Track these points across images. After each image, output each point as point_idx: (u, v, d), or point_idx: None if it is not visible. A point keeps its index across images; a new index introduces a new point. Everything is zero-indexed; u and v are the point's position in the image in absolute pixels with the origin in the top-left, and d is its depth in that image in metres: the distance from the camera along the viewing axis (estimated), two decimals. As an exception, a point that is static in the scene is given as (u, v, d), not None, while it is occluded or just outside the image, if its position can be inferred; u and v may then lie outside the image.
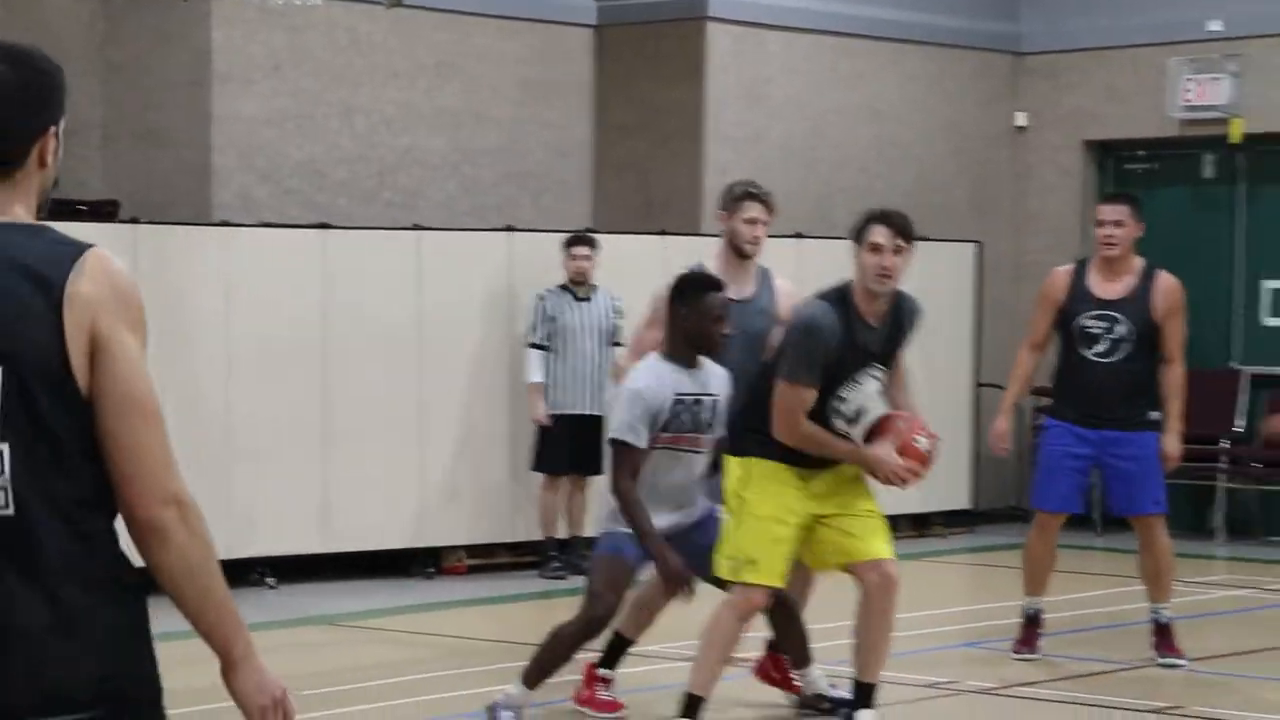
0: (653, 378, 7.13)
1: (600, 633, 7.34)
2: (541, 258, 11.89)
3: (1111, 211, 8.79)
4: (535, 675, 7.34)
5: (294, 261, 11.19)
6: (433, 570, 11.65)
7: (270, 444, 10.94)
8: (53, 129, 2.98)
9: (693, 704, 7.01)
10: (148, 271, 10.11)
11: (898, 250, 6.80)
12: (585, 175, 13.80)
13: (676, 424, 7.11)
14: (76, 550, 2.84)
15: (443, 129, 13.05)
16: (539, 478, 11.82)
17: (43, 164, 2.98)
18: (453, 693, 8.24)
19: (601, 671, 7.72)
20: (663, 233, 12.69)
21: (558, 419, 11.67)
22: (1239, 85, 14.05)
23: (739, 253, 7.73)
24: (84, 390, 2.84)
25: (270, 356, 11.03)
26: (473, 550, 11.83)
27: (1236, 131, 14.02)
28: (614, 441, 7.12)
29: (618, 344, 11.91)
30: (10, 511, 2.82)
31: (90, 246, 2.90)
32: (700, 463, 7.23)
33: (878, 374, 6.88)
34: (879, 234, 6.81)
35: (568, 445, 11.62)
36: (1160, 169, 14.77)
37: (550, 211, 13.43)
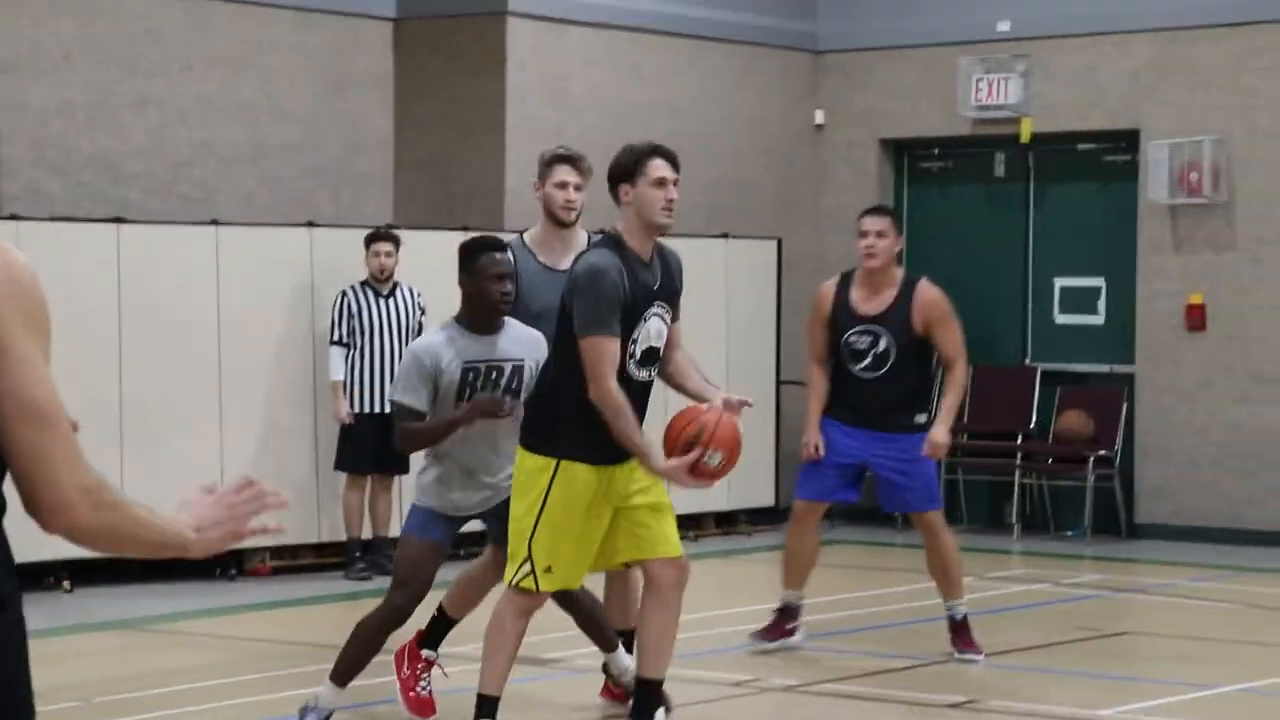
0: (434, 341, 7.01)
1: (403, 621, 7.14)
2: (343, 254, 11.76)
3: (873, 223, 8.90)
4: (343, 672, 7.17)
5: (88, 256, 10.94)
6: (235, 572, 11.47)
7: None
8: None
9: (485, 704, 6.87)
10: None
11: (675, 183, 6.73)
12: (386, 170, 13.68)
13: (471, 392, 6.95)
14: None
15: (240, 122, 12.85)
16: (342, 477, 11.69)
17: None
18: (259, 697, 8.12)
19: (425, 652, 7.46)
20: (464, 228, 12.61)
21: (360, 417, 11.56)
22: (1027, 85, 14.34)
23: (556, 220, 7.52)
24: None
25: (63, 353, 10.72)
26: (276, 552, 11.66)
27: (1026, 131, 14.31)
28: (392, 403, 7.01)
29: (420, 341, 11.83)
30: None
31: None
32: (508, 431, 6.98)
33: (661, 312, 6.74)
34: (662, 168, 6.68)
35: (371, 444, 11.49)
36: (954, 167, 15.03)
37: (351, 207, 13.29)
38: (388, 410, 11.62)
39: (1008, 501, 14.21)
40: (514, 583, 6.72)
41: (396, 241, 11.79)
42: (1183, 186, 13.66)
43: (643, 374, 6.72)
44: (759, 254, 14.17)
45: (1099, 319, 14.37)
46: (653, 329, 6.71)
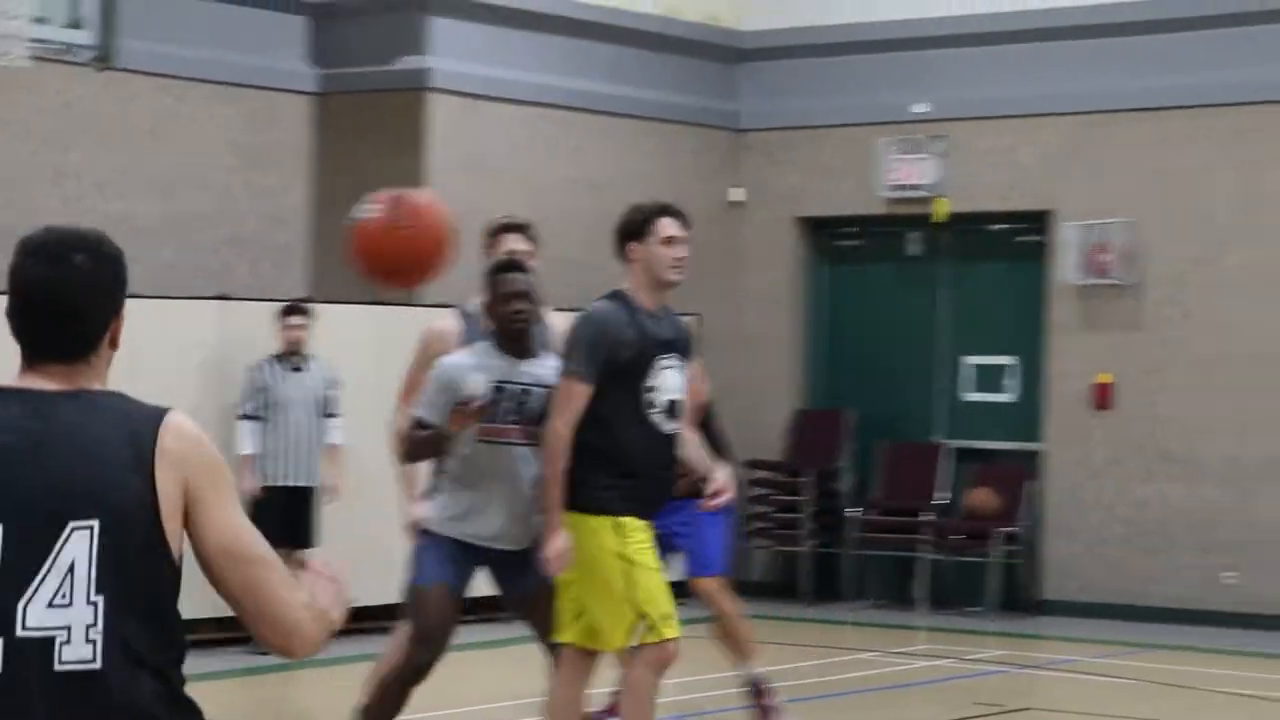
0: (464, 358, 6.86)
1: (426, 677, 6.85)
2: (255, 327, 11.78)
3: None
4: None
5: (-2, 328, 10.92)
6: (138, 645, 11.40)
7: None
8: (122, 310, 3.16)
9: None
10: None
11: (684, 240, 6.76)
12: (302, 243, 13.72)
13: (499, 413, 6.78)
14: (155, 695, 3.04)
15: (156, 194, 12.88)
16: (250, 550, 11.66)
17: (114, 344, 3.18)
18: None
19: None
20: (379, 302, 12.67)
21: (270, 490, 11.56)
22: (944, 165, 14.52)
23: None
24: (173, 540, 3.05)
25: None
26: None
27: (941, 210, 14.49)
28: (412, 418, 6.85)
29: (331, 414, 11.85)
30: (97, 665, 2.98)
31: (168, 410, 3.13)
32: (525, 457, 6.78)
33: (677, 365, 6.72)
34: (671, 226, 6.72)
35: (280, 517, 11.47)
36: (868, 245, 15.19)
37: (268, 279, 13.33)
38: (297, 484, 11.73)
39: (913, 577, 14.29)
40: (641, 642, 6.63)
41: (309, 314, 11.83)
42: (1093, 267, 13.85)
43: (670, 427, 6.70)
44: (675, 330, 14.25)
45: (1008, 396, 14.51)
46: (671, 380, 6.69)
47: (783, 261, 15.14)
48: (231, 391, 11.72)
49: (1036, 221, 14.34)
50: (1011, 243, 14.61)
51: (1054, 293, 14.14)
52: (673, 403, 6.70)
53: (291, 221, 13.63)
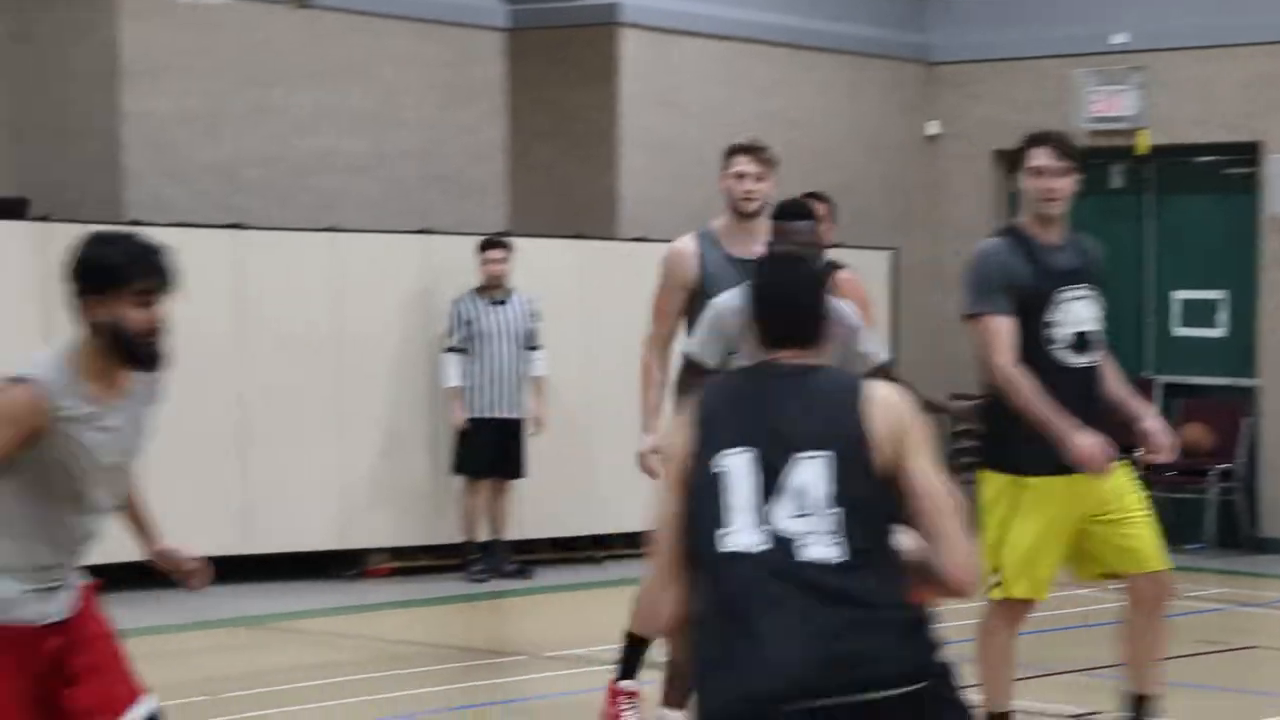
0: (739, 299, 6.40)
1: None
2: (458, 261, 11.79)
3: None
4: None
5: (207, 263, 11.01)
6: (355, 573, 11.51)
7: (189, 446, 10.73)
8: None
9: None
10: (59, 271, 9.89)
11: (1061, 172, 6.52)
12: (501, 179, 13.71)
13: None
14: (884, 582, 3.90)
15: (358, 131, 12.91)
16: (460, 480, 11.71)
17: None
18: (377, 695, 8.13)
19: (623, 684, 7.01)
20: (578, 236, 12.64)
21: (476, 422, 11.58)
22: (1144, 97, 14.19)
23: (738, 212, 7.27)
24: (881, 468, 3.93)
25: (186, 359, 10.79)
26: (395, 553, 11.70)
27: (1143, 143, 14.17)
28: (683, 354, 6.63)
29: (534, 347, 11.85)
30: (848, 558, 3.88)
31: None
32: None
33: (1085, 294, 6.53)
34: (1039, 156, 6.53)
35: (488, 448, 11.55)
36: (1070, 179, 14.86)
37: (468, 215, 13.33)
38: (502, 416, 11.74)
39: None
40: (991, 596, 6.55)
41: (508, 249, 11.82)
42: (1300, 199, 13.47)
43: (1075, 360, 6.50)
44: (874, 263, 14.08)
45: (1219, 331, 14.18)
46: (1077, 311, 6.50)
47: (981, 194, 14.90)
48: (437, 325, 11.74)
49: (1244, 153, 13.97)
50: (1218, 175, 14.26)
51: (1264, 225, 13.78)
52: (1079, 335, 6.49)
53: (490, 156, 13.62)
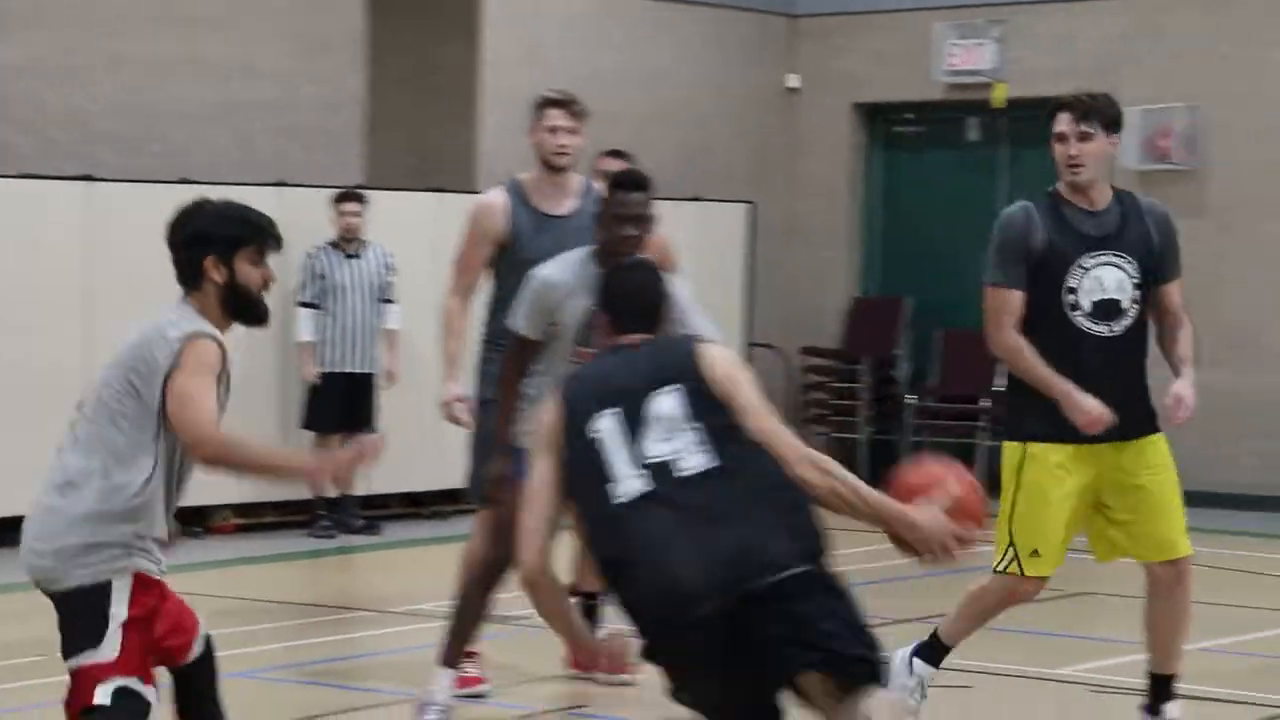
0: (563, 272, 6.48)
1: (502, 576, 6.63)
2: (312, 214, 11.75)
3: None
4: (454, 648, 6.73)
5: (57, 214, 10.92)
6: (200, 530, 11.49)
7: (36, 400, 10.66)
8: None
9: (940, 650, 6.60)
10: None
11: (1083, 137, 6.40)
12: (358, 131, 13.64)
13: (594, 336, 6.27)
14: (757, 478, 4.51)
15: (212, 81, 12.80)
16: (309, 436, 11.70)
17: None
18: (225, 651, 8.03)
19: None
20: (436, 189, 12.63)
21: (327, 376, 11.58)
22: (1003, 50, 14.34)
23: (549, 166, 7.23)
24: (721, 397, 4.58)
25: (30, 311, 10.75)
26: (240, 509, 11.67)
27: (999, 96, 14.32)
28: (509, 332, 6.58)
29: (388, 300, 11.84)
30: (720, 462, 4.48)
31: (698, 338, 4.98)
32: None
33: (1117, 262, 6.38)
34: (1060, 122, 6.44)
35: (338, 403, 11.54)
36: (927, 132, 15.03)
37: (324, 168, 13.26)
38: (354, 370, 11.74)
39: (972, 464, 14.19)
40: (1000, 569, 6.41)
41: (364, 201, 11.80)
42: (1153, 152, 13.67)
43: (1098, 329, 6.34)
44: (731, 217, 14.17)
45: (1070, 284, 14.39)
46: (1101, 279, 6.33)
47: (840, 148, 15.02)
48: (289, 279, 11.70)
49: (1099, 107, 14.14)
50: (1073, 129, 14.42)
51: (1118, 180, 13.91)
52: (1103, 302, 6.35)
53: (347, 108, 13.54)
